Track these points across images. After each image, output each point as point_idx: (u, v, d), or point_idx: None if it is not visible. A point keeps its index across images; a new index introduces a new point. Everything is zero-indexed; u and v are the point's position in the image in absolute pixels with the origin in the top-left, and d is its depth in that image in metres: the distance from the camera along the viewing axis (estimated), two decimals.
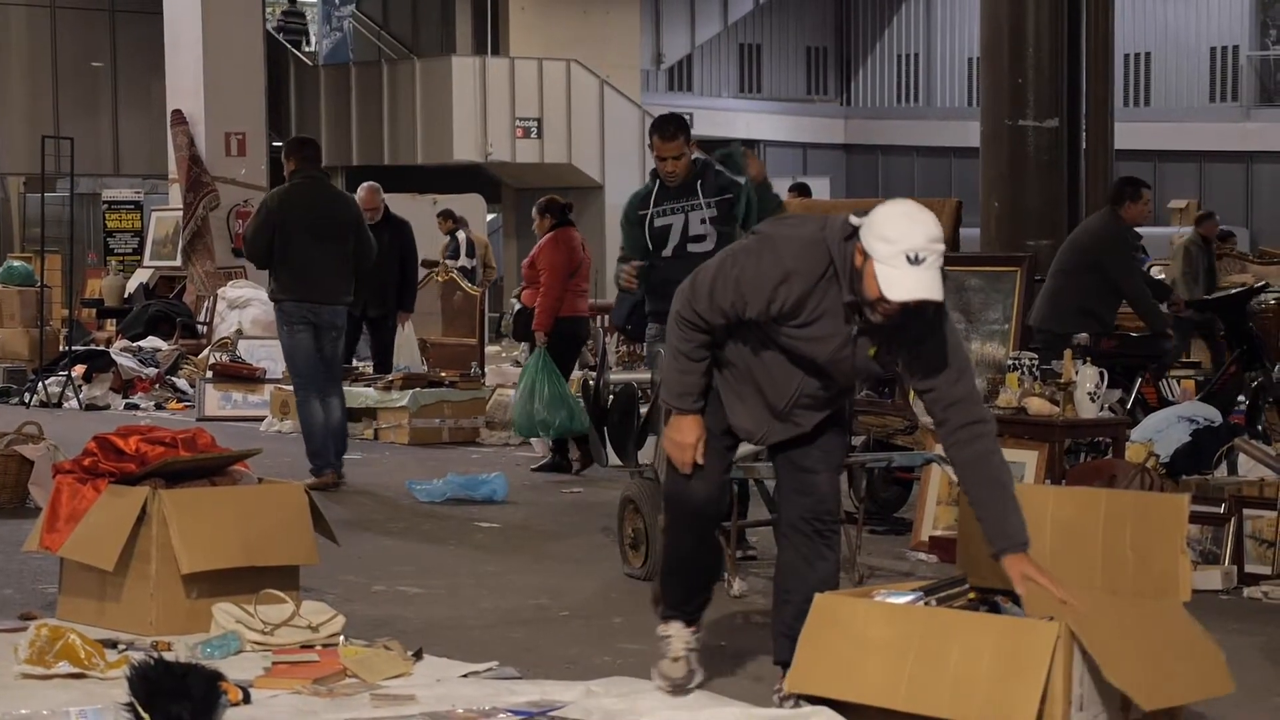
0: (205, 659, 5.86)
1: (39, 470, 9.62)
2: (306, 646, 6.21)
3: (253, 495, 6.84)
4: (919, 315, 5.25)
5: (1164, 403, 10.85)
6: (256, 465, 7.19)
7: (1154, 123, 34.88)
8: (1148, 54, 36.49)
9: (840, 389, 5.61)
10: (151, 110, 27.25)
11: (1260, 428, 11.21)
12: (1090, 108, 14.53)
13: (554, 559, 8.76)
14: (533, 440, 12.49)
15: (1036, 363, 8.91)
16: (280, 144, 14.31)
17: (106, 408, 16.31)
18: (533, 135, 29.86)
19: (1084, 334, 9.55)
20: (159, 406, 16.46)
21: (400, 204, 20.29)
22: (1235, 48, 35.82)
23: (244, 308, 18.53)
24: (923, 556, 8.51)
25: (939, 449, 5.89)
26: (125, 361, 17.50)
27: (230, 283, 19.73)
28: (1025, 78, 13.36)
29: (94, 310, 21.74)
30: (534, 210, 12.54)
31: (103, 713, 5.24)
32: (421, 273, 16.65)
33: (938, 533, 8.57)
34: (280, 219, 10.76)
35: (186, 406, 16.33)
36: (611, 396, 8.62)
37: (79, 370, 16.76)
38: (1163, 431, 9.12)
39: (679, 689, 5.74)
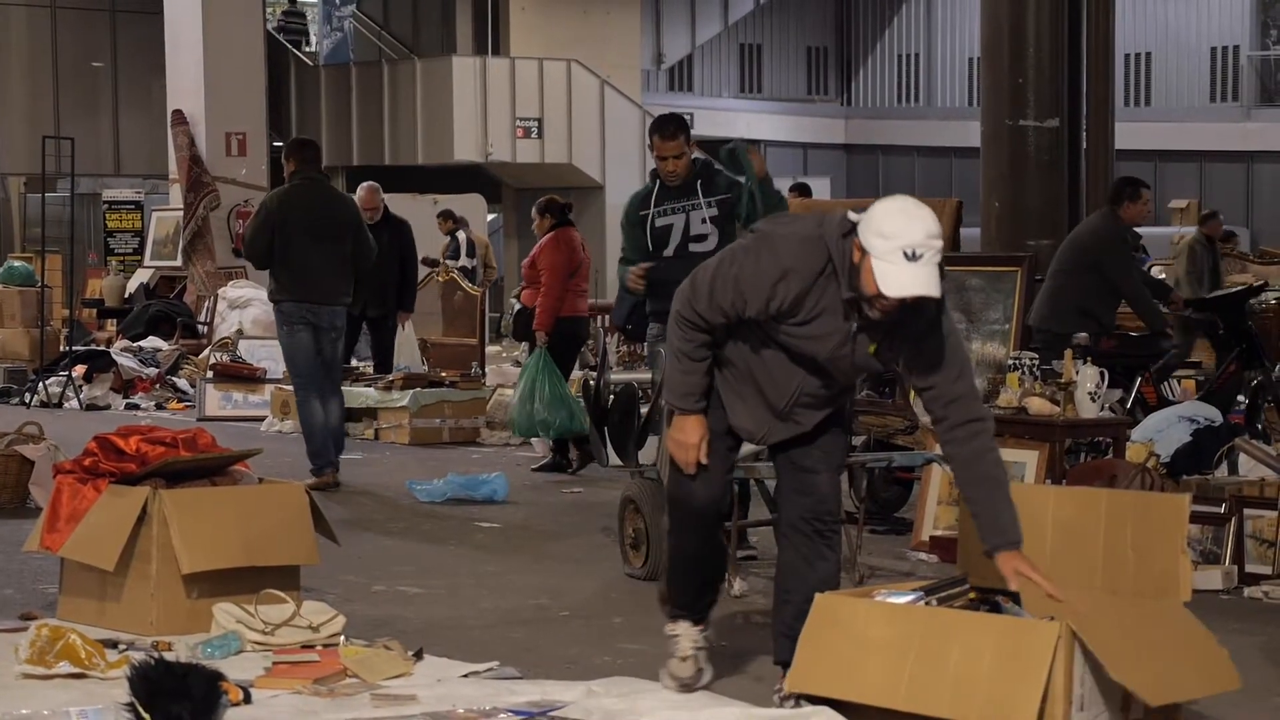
0: (206, 659, 5.86)
1: (39, 470, 9.62)
2: (307, 646, 6.21)
3: (253, 495, 6.84)
4: (918, 312, 5.25)
5: (1164, 402, 10.85)
6: (257, 465, 7.19)
7: (1154, 123, 34.88)
8: (1148, 54, 36.49)
9: (841, 387, 5.62)
10: (152, 110, 27.27)
11: (1260, 427, 11.21)
12: (1091, 108, 14.52)
13: (554, 559, 8.76)
14: (533, 440, 12.50)
15: (1037, 363, 8.91)
16: (281, 144, 14.34)
17: (107, 408, 16.31)
18: (533, 135, 29.86)
19: (1083, 334, 9.55)
20: (159, 406, 16.46)
21: (401, 204, 20.29)
22: (1236, 48, 35.82)
23: (244, 308, 18.54)
24: (923, 556, 8.51)
25: (939, 449, 5.90)
26: (126, 361, 17.50)
27: (231, 283, 19.74)
28: (1026, 78, 13.35)
29: (95, 310, 21.74)
30: (533, 210, 12.54)
31: (103, 713, 5.24)
32: (422, 271, 16.66)
33: (938, 532, 8.57)
34: (280, 220, 10.77)
35: (187, 406, 16.34)
36: (612, 396, 8.62)
37: (79, 370, 16.76)
38: (1163, 431, 9.12)
39: (688, 688, 5.75)
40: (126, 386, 16.91)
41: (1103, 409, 8.61)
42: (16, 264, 20.42)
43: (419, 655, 6.09)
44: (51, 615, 6.68)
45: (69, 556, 6.75)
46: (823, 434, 5.67)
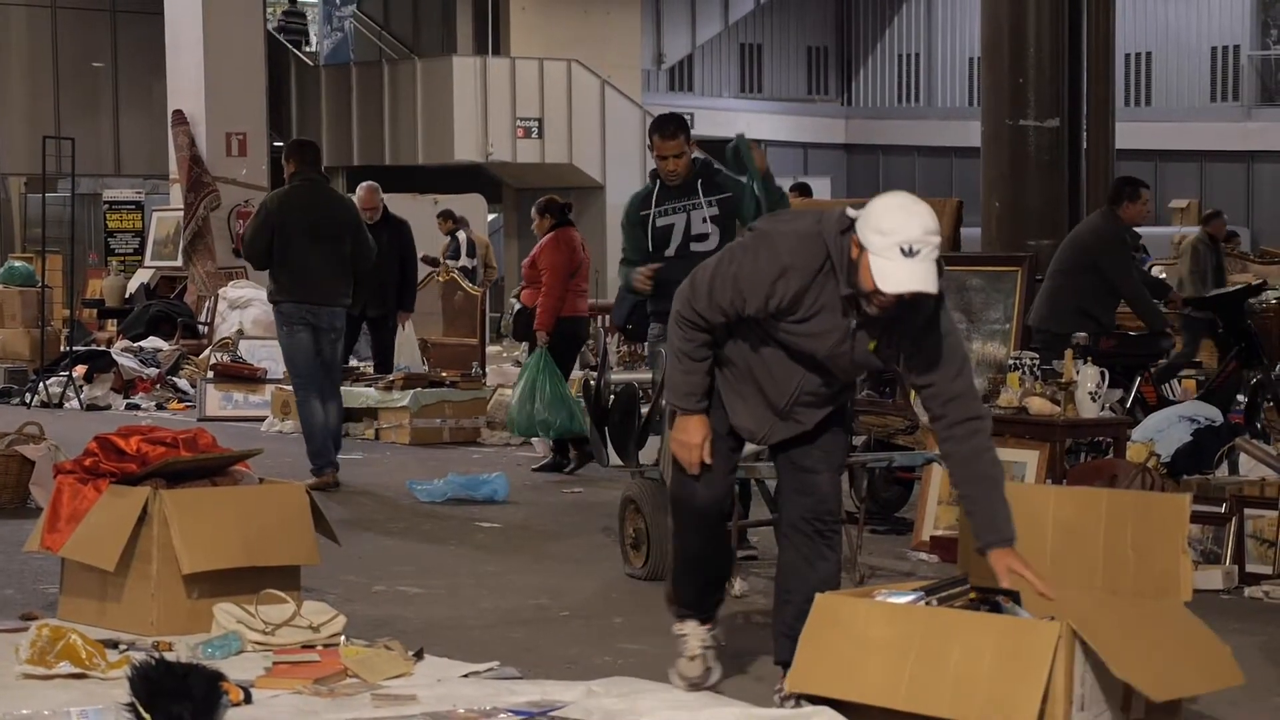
0: (206, 659, 5.86)
1: (40, 470, 9.63)
2: (307, 646, 6.21)
3: (254, 495, 6.85)
4: (916, 308, 5.25)
5: (1163, 402, 10.85)
6: (257, 465, 7.20)
7: (1155, 122, 34.88)
8: (1148, 54, 36.49)
9: (841, 385, 5.62)
10: (152, 110, 27.27)
11: (1259, 425, 11.21)
12: (1091, 107, 14.52)
13: (554, 559, 8.76)
14: (533, 440, 12.50)
15: (1038, 362, 8.92)
16: (281, 144, 14.34)
17: (107, 408, 16.32)
18: (534, 135, 29.86)
19: (1081, 334, 9.55)
20: (160, 407, 16.46)
21: (401, 204, 20.29)
22: (1236, 47, 35.82)
23: (245, 308, 18.54)
24: (924, 556, 8.51)
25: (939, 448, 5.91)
26: (126, 362, 17.50)
27: (231, 283, 19.74)
28: (1026, 78, 13.35)
29: (95, 310, 21.74)
30: (533, 210, 12.54)
31: (104, 713, 5.24)
32: (423, 271, 16.65)
33: (939, 532, 8.57)
34: (279, 221, 10.78)
35: (187, 407, 16.34)
36: (612, 397, 8.62)
37: (80, 370, 16.76)
38: (1164, 431, 9.12)
39: (697, 687, 5.76)
40: (127, 387, 16.91)
41: (1103, 409, 8.61)
42: (17, 264, 20.42)
43: (419, 655, 6.09)
44: (52, 615, 6.68)
45: (69, 557, 6.75)
46: (823, 434, 5.67)
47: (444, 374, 14.32)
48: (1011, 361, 8.94)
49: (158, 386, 17.15)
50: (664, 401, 7.47)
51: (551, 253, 12.16)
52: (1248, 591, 7.73)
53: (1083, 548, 5.56)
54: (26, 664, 5.82)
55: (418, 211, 22.17)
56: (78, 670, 5.78)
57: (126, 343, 18.99)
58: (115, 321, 20.81)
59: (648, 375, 8.59)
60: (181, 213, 21.72)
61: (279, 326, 11.04)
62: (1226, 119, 35.55)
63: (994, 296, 9.78)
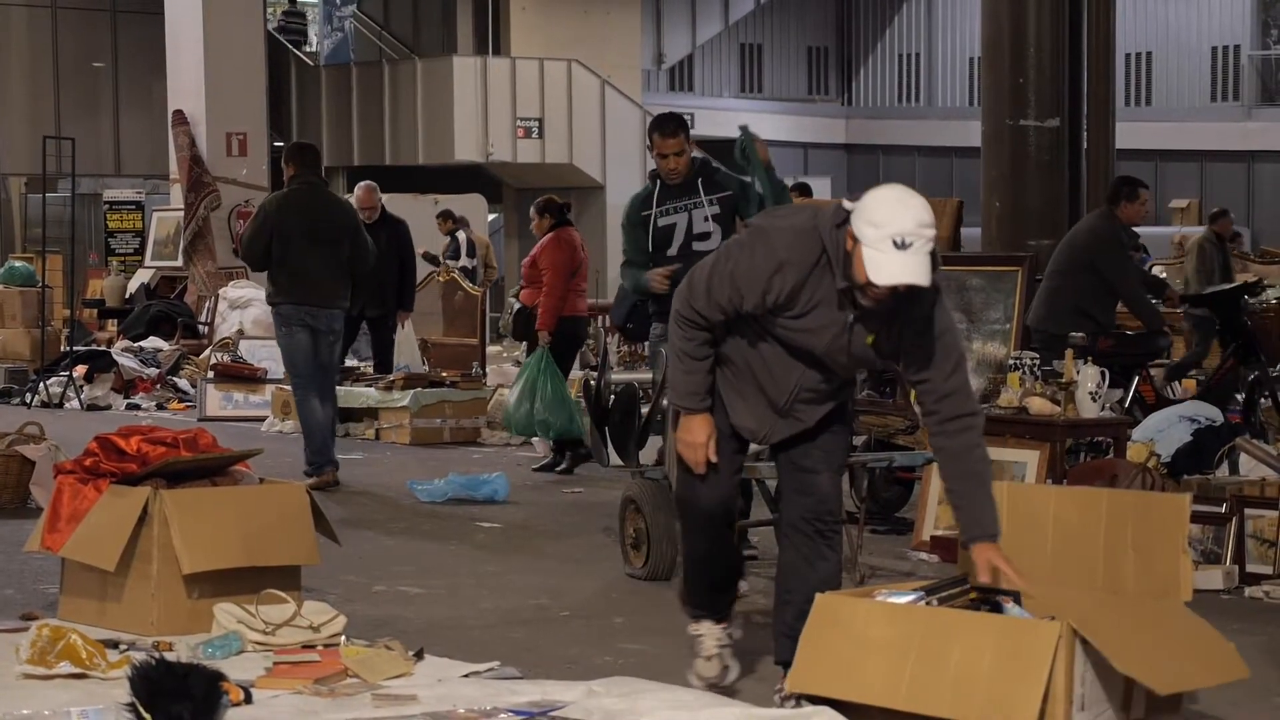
0: (207, 659, 5.86)
1: (40, 470, 9.63)
2: (308, 646, 6.21)
3: (254, 495, 6.85)
4: (913, 301, 5.27)
5: (1162, 401, 10.85)
6: (258, 465, 7.20)
7: (1155, 122, 34.89)
8: (1149, 54, 36.50)
9: (841, 382, 5.63)
10: (153, 110, 27.28)
11: (1256, 422, 11.20)
12: (1091, 107, 14.53)
13: (555, 559, 8.76)
14: (533, 440, 12.50)
15: (1038, 363, 8.92)
16: (281, 144, 14.35)
17: (108, 408, 16.32)
18: (534, 135, 29.86)
19: (1079, 334, 9.55)
20: (160, 407, 16.47)
21: (401, 204, 20.31)
22: (1236, 47, 35.83)
23: (245, 308, 18.54)
24: (924, 556, 8.51)
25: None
26: (126, 362, 17.50)
27: (231, 283, 19.74)
28: (1026, 77, 13.36)
29: (95, 310, 21.74)
30: (532, 210, 12.55)
31: (104, 713, 5.24)
32: (423, 270, 16.65)
33: (939, 532, 8.57)
34: (278, 223, 10.81)
35: (188, 407, 16.34)
36: (613, 397, 8.62)
37: (80, 370, 16.76)
38: (1164, 431, 9.13)
39: (715, 687, 5.77)
40: (127, 387, 16.92)
41: (1103, 409, 8.61)
42: (17, 264, 20.42)
43: (419, 655, 6.09)
44: (52, 615, 6.68)
45: (70, 557, 6.75)
46: (824, 434, 5.68)
47: (444, 374, 14.32)
48: (1012, 361, 8.94)
49: (158, 386, 17.15)
50: (666, 402, 7.49)
51: (552, 252, 12.16)
52: (1248, 591, 7.73)
53: (1083, 548, 5.57)
54: (27, 664, 5.82)
55: (418, 212, 22.18)
56: (78, 670, 5.78)
57: (127, 343, 18.99)
58: (115, 321, 20.81)
59: (648, 375, 8.58)
60: (182, 213, 21.72)
61: (278, 328, 11.07)
62: (1227, 119, 35.55)
63: (994, 296, 9.78)
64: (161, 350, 18.37)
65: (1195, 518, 7.46)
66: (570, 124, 29.99)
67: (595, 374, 9.47)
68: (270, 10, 29.27)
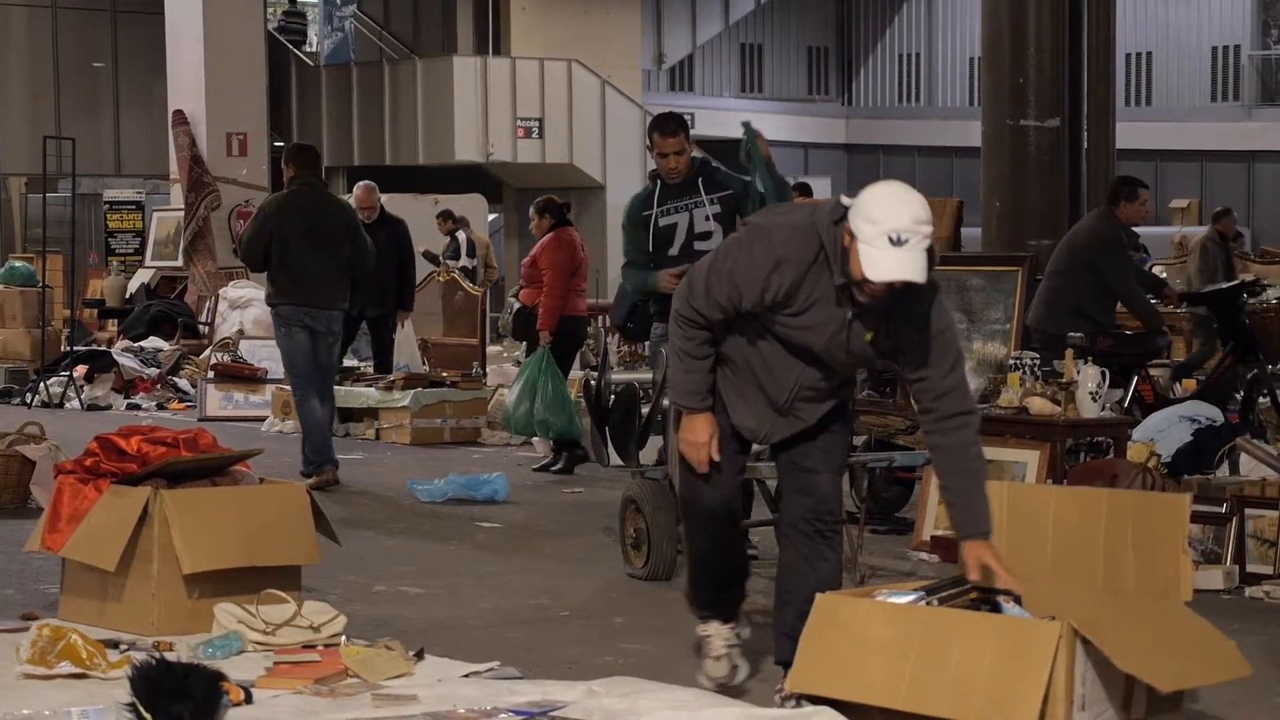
0: (207, 659, 5.86)
1: (41, 470, 9.63)
2: (308, 646, 6.21)
3: (254, 495, 6.85)
4: (910, 298, 5.28)
5: (1161, 400, 10.85)
6: (258, 465, 7.20)
7: (1155, 122, 34.89)
8: (1149, 54, 36.50)
9: (841, 380, 5.63)
10: (153, 110, 27.28)
11: (1254, 421, 11.19)
12: (1091, 107, 14.53)
13: (555, 559, 8.76)
14: (534, 440, 12.51)
15: (1038, 363, 8.91)
16: (281, 144, 14.35)
17: (108, 408, 16.32)
18: (534, 135, 29.86)
19: (1078, 334, 9.54)
20: (160, 407, 16.47)
21: (402, 204, 20.31)
22: (1236, 47, 35.82)
23: (245, 308, 18.54)
24: (924, 556, 8.51)
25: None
26: (127, 362, 17.50)
27: (232, 283, 19.75)
28: (1026, 77, 13.36)
29: (96, 310, 21.75)
30: (532, 210, 12.55)
31: (104, 713, 5.24)
32: (424, 269, 16.64)
33: (939, 532, 8.57)
34: (277, 224, 10.83)
35: (188, 407, 16.34)
36: (613, 397, 8.62)
37: (81, 370, 16.76)
38: (1164, 431, 9.12)
39: (724, 687, 5.77)
40: (127, 387, 16.92)
41: (1103, 409, 8.61)
42: (18, 264, 20.42)
43: (420, 655, 6.09)
44: (53, 615, 6.68)
45: (70, 557, 6.75)
46: (824, 433, 5.68)
47: (444, 374, 14.32)
48: (1012, 361, 8.93)
49: (158, 386, 17.15)
50: (667, 402, 7.48)
51: (553, 252, 12.17)
52: (1248, 591, 7.73)
53: (1083, 548, 5.57)
54: (27, 664, 5.82)
55: (418, 212, 22.18)
56: (78, 670, 5.78)
57: (127, 343, 18.99)
58: (116, 321, 20.82)
59: (648, 375, 8.58)
60: (182, 213, 21.72)
61: (277, 329, 11.09)
62: (1227, 119, 35.55)
63: (994, 296, 9.78)
64: (162, 350, 18.37)
65: (1195, 518, 7.46)
66: (570, 124, 29.99)
67: (595, 374, 9.47)
68: (270, 10, 29.26)
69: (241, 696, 5.42)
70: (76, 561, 6.71)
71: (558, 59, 30.31)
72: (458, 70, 29.68)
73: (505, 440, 13.54)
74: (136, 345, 18.68)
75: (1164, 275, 15.25)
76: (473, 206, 26.35)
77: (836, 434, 5.73)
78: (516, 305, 13.19)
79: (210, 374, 15.95)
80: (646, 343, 9.92)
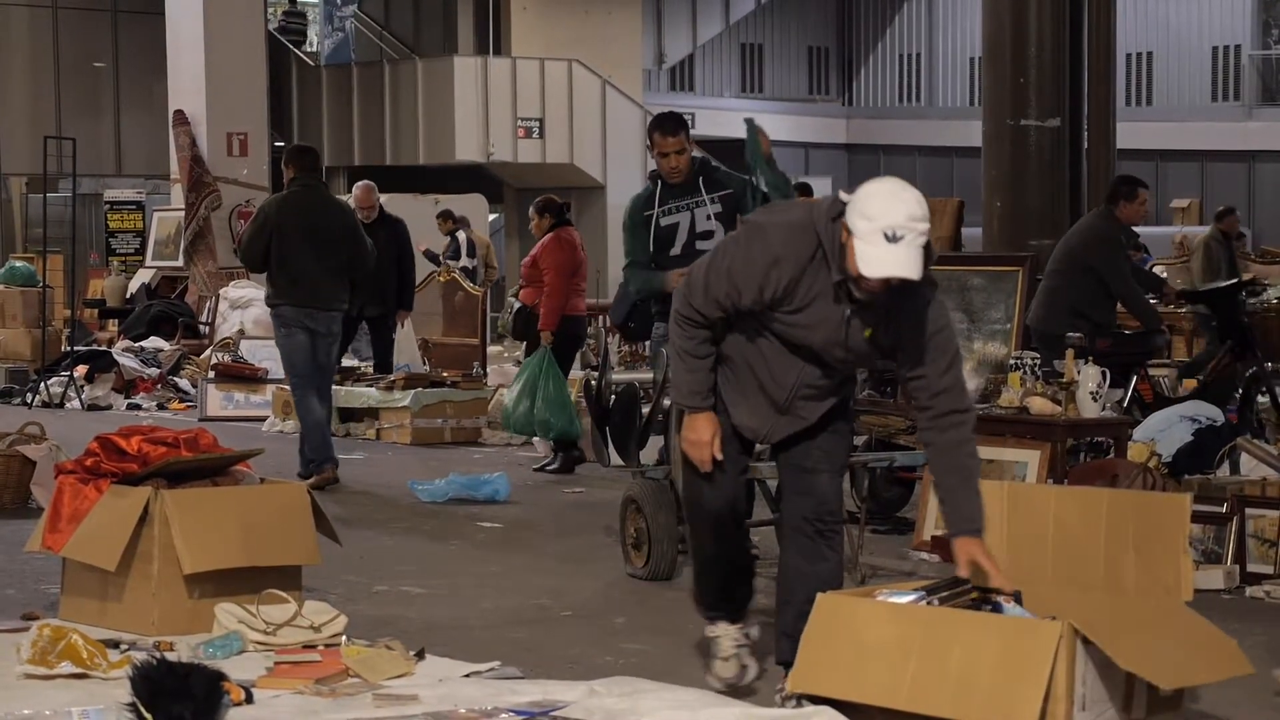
0: (208, 659, 5.86)
1: (41, 470, 9.63)
2: (309, 646, 6.21)
3: (255, 495, 6.85)
4: (908, 295, 5.29)
5: (1161, 400, 10.85)
6: (258, 465, 7.20)
7: (1156, 122, 34.89)
8: (1150, 53, 36.50)
9: (841, 378, 5.64)
10: (153, 110, 27.26)
11: (1252, 418, 11.18)
12: (1092, 107, 14.52)
13: (556, 559, 8.76)
14: (534, 440, 12.51)
15: (1038, 362, 8.91)
16: (282, 144, 14.36)
17: (108, 408, 16.32)
18: (535, 135, 29.86)
19: (1076, 334, 9.54)
20: (161, 407, 16.47)
21: (402, 204, 20.31)
22: (1237, 47, 35.82)
23: (246, 308, 18.54)
24: (925, 556, 8.50)
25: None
26: (127, 362, 17.50)
27: (232, 283, 19.75)
28: (1027, 77, 13.36)
29: (96, 310, 21.75)
30: (531, 210, 12.56)
31: (105, 713, 5.24)
32: (425, 269, 16.64)
33: (940, 532, 8.55)
34: (277, 225, 10.84)
35: (188, 407, 16.34)
36: (613, 397, 8.62)
37: (81, 370, 16.76)
38: (1165, 431, 9.12)
39: (734, 687, 5.78)
40: (128, 387, 16.92)
41: (1104, 409, 8.61)
42: (18, 264, 20.42)
43: (420, 655, 6.09)
44: (53, 615, 6.68)
45: (71, 557, 6.75)
46: (825, 434, 5.69)
47: (445, 374, 14.33)
48: (1013, 361, 8.93)
49: (159, 386, 17.15)
50: (668, 402, 7.48)
51: (554, 252, 12.17)
52: (1249, 591, 7.73)
53: (1084, 548, 5.57)
54: (28, 664, 5.82)
55: (418, 212, 22.17)
56: (79, 670, 5.78)
57: (128, 343, 18.99)
58: (116, 321, 20.82)
59: (648, 375, 8.58)
60: (182, 213, 21.72)
61: (277, 329, 11.11)
62: (1227, 119, 35.55)
63: (995, 296, 9.78)
64: (162, 350, 18.37)
65: (1196, 517, 7.45)
66: (571, 124, 29.99)
67: (596, 374, 9.47)
68: (271, 10, 29.26)
69: (242, 696, 5.42)
70: (77, 561, 6.71)
71: (558, 59, 30.31)
72: (458, 70, 29.68)
73: (506, 440, 13.54)
74: (137, 345, 18.68)
75: (1164, 275, 15.24)
76: (473, 206, 26.35)
77: (837, 434, 5.73)
78: (516, 305, 13.19)
79: (211, 374, 15.95)
80: (647, 342, 9.91)
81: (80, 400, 16.37)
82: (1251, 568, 7.86)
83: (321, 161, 11.74)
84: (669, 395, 7.38)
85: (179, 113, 22.04)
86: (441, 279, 17.39)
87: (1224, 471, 8.70)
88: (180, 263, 21.59)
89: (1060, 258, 10.89)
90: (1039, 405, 8.49)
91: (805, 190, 17.65)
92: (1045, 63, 13.40)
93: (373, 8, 35.25)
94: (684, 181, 8.36)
